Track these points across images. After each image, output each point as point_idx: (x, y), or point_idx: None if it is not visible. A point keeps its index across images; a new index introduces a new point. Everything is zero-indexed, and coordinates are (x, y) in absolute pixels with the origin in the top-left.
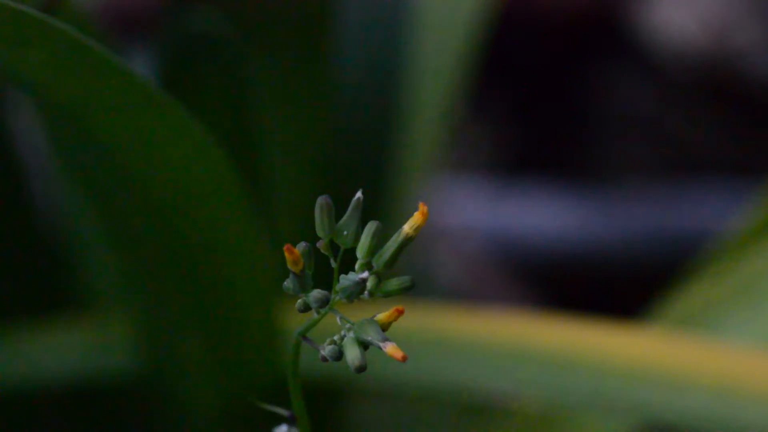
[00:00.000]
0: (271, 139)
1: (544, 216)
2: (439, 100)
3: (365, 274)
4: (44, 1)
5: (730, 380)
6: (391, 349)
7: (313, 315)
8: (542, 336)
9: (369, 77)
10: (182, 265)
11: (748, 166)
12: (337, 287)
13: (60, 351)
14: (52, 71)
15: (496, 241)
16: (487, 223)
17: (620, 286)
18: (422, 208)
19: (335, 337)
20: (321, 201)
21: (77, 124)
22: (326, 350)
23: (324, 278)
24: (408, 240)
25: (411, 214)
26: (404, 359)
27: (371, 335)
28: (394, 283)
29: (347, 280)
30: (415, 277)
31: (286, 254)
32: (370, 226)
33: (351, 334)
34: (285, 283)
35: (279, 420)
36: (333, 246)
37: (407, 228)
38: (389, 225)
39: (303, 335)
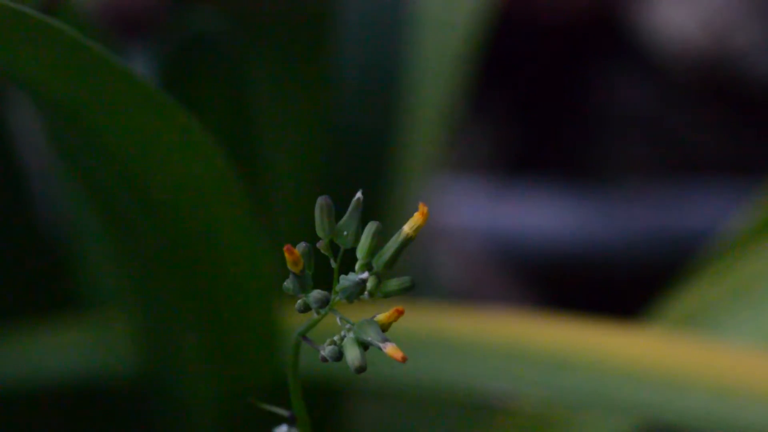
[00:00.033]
0: (271, 139)
1: (544, 216)
2: (439, 100)
3: (365, 275)
4: (44, 1)
5: (730, 380)
6: (391, 349)
7: (313, 315)
8: (542, 336)
9: (369, 77)
10: (182, 264)
11: (748, 166)
12: (337, 288)
13: (60, 351)
14: (52, 71)
15: (496, 241)
16: (487, 223)
17: (620, 286)
18: (422, 208)
19: (335, 338)
20: (321, 201)
21: (77, 124)
22: (326, 351)
23: (324, 278)
24: (408, 240)
25: (411, 215)
26: (404, 360)
27: (371, 336)
28: (394, 284)
29: (347, 280)
30: (415, 277)
31: (286, 255)
32: (370, 227)
33: (351, 335)
34: (285, 283)
35: (279, 420)
36: (333, 246)
37: (407, 228)
38: (389, 225)
39: (303, 335)
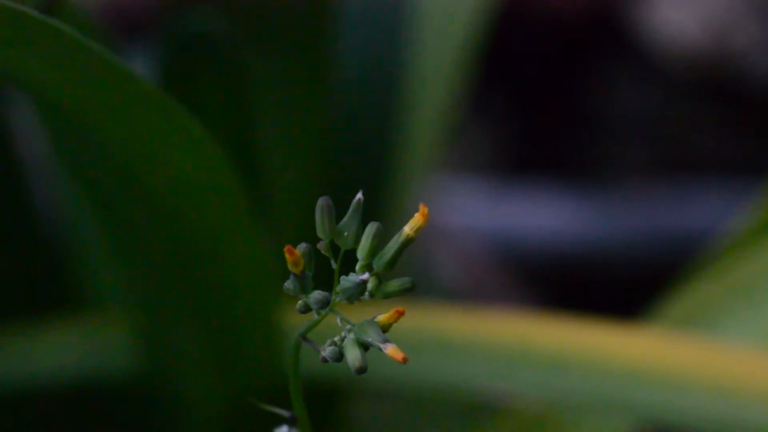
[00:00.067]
0: (271, 139)
1: (544, 216)
2: (439, 100)
3: (366, 276)
4: (44, 1)
5: (730, 380)
6: (391, 350)
7: (314, 316)
8: (542, 336)
9: (369, 77)
10: (182, 264)
11: (748, 166)
12: (338, 288)
13: (60, 351)
14: (52, 71)
15: (496, 241)
16: (487, 223)
17: (620, 286)
18: (423, 209)
19: (336, 339)
20: (321, 202)
21: (77, 124)
22: (327, 351)
23: (324, 279)
24: (409, 241)
25: (411, 215)
26: (405, 361)
27: (372, 336)
28: (394, 285)
29: (348, 281)
30: (415, 277)
31: (287, 255)
32: (371, 228)
33: (351, 336)
34: (286, 284)
35: (279, 421)
36: (333, 247)
37: (408, 229)
38: (389, 225)
39: (303, 336)
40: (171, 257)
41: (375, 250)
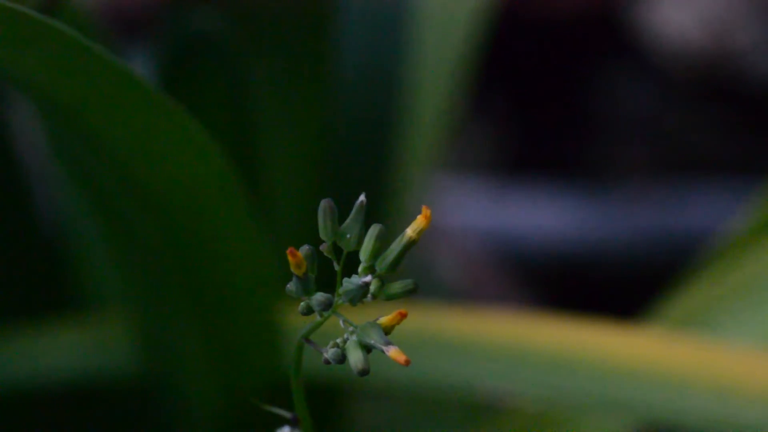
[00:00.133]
0: (271, 139)
1: (544, 216)
2: (439, 99)
3: (368, 278)
4: (44, 1)
5: (730, 380)
6: (394, 352)
7: (316, 318)
8: (542, 336)
9: (369, 77)
10: (182, 264)
11: (748, 166)
12: (341, 290)
13: (60, 351)
14: (51, 72)
15: (496, 241)
16: (487, 223)
17: (620, 286)
18: (425, 211)
19: (338, 340)
20: (324, 204)
21: (77, 124)
22: (329, 353)
23: (324, 280)
24: (411, 243)
25: (412, 215)
26: (407, 363)
27: (374, 339)
28: (397, 287)
29: (350, 283)
30: (415, 277)
31: (289, 257)
32: (373, 229)
33: (354, 338)
34: (288, 285)
35: (280, 421)
36: (336, 249)
37: (410, 231)
38: (389, 225)
39: (306, 338)
40: (171, 257)
41: (378, 252)
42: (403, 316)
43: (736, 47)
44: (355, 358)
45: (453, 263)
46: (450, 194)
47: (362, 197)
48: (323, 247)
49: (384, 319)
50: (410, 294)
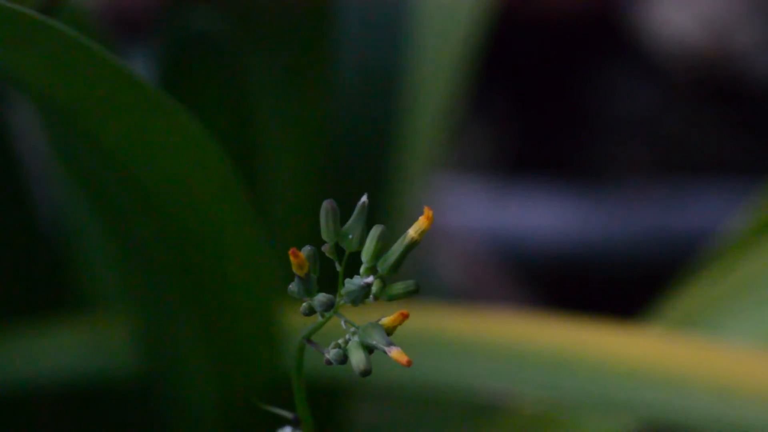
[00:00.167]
0: (271, 139)
1: (544, 216)
2: (439, 100)
3: (370, 279)
4: (44, 1)
5: (730, 380)
6: (396, 353)
7: (318, 318)
8: (542, 336)
9: (369, 77)
10: (182, 265)
11: (748, 166)
12: (343, 291)
13: (60, 351)
14: (51, 72)
15: (497, 241)
16: (487, 223)
17: (620, 286)
18: (427, 212)
19: (340, 341)
20: (326, 205)
21: (77, 124)
22: (331, 354)
23: (324, 280)
24: (413, 244)
25: (412, 215)
26: (409, 364)
27: (376, 339)
28: (399, 287)
29: (352, 284)
30: (415, 277)
31: (292, 258)
32: (375, 230)
33: (356, 338)
34: (290, 286)
35: (280, 421)
36: (337, 249)
37: (412, 232)
38: (389, 225)
39: (308, 338)
40: (171, 257)
41: (379, 252)
42: (405, 316)
43: (736, 47)
44: (357, 358)
45: (453, 263)
46: (450, 194)
47: (364, 198)
48: (325, 248)
49: (386, 320)
50: (412, 295)
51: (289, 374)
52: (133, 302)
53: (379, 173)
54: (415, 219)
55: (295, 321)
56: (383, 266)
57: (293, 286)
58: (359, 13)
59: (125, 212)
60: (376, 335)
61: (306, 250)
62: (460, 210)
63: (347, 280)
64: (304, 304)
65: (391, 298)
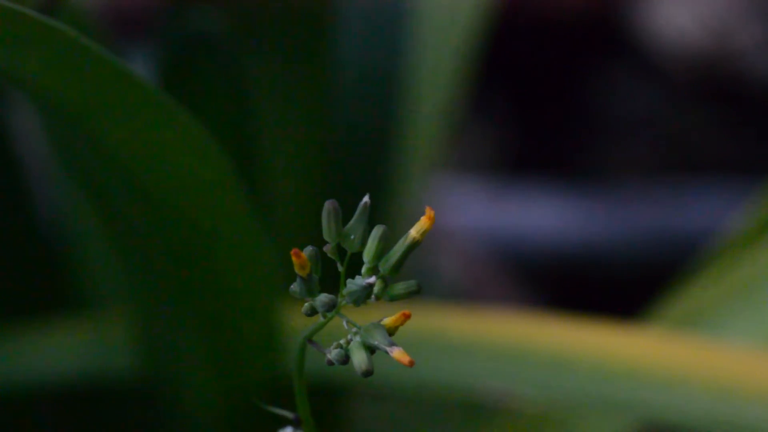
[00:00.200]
0: (271, 138)
1: (544, 216)
2: (440, 100)
3: (372, 279)
4: (44, 1)
5: (730, 380)
6: (398, 354)
7: (319, 318)
8: (542, 336)
9: (369, 77)
10: (182, 265)
11: (748, 166)
12: (344, 291)
13: (60, 351)
14: (51, 72)
15: (497, 241)
16: (487, 223)
17: (620, 286)
18: (429, 212)
19: (341, 341)
20: (328, 206)
21: (76, 124)
22: (332, 354)
23: (326, 281)
24: (415, 245)
25: (412, 215)
26: (411, 365)
27: (378, 339)
28: (401, 287)
29: (354, 284)
30: (415, 277)
31: (294, 258)
32: (377, 230)
33: (357, 338)
34: (292, 286)
35: (281, 421)
36: (339, 250)
37: (414, 232)
38: (389, 225)
39: (309, 339)
40: (171, 257)
41: (381, 253)
42: (407, 317)
43: (736, 47)
44: (359, 359)
45: (453, 263)
46: (450, 194)
47: (366, 198)
48: (327, 248)
49: (388, 320)
50: (414, 295)
51: (290, 374)
52: (133, 302)
53: (379, 173)
54: (416, 219)
55: (297, 321)
56: (385, 266)
57: (295, 287)
58: (359, 13)
59: (125, 212)
60: (378, 335)
61: (308, 251)
62: (460, 210)
63: (349, 280)
64: (306, 304)
65: (393, 299)
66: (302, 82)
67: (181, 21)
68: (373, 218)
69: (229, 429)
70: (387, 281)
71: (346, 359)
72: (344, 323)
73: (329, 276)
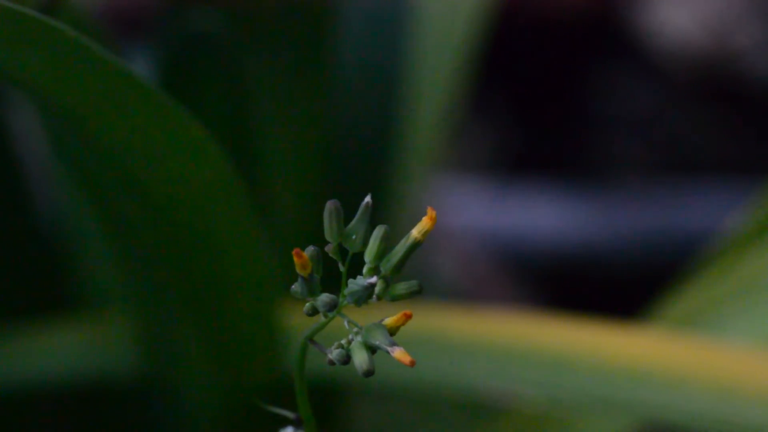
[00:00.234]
0: (272, 138)
1: (544, 216)
2: (440, 99)
3: (374, 279)
4: (44, 1)
5: (730, 380)
6: (399, 353)
7: (320, 318)
8: (542, 336)
9: (369, 77)
10: (182, 265)
11: (748, 166)
12: (346, 291)
13: (60, 351)
14: (51, 72)
15: (497, 241)
16: (487, 223)
17: (620, 286)
18: (430, 212)
19: (343, 341)
20: (330, 205)
21: (77, 124)
22: (334, 354)
23: (325, 281)
24: (417, 245)
25: (412, 215)
26: (413, 364)
27: (379, 339)
28: (402, 288)
29: (356, 284)
30: (415, 277)
31: (295, 258)
32: (378, 230)
33: (359, 338)
34: (293, 286)
35: (281, 421)
36: (341, 250)
37: (415, 232)
38: (389, 225)
39: (310, 339)
40: (171, 257)
41: (383, 253)
42: (408, 317)
43: (736, 47)
44: (360, 358)
45: (453, 263)
46: (450, 194)
47: (368, 198)
48: (328, 248)
49: (389, 320)
50: (415, 295)
51: (291, 374)
52: (133, 302)
53: (379, 173)
54: (416, 219)
55: (297, 321)
56: (386, 266)
57: (296, 287)
58: (359, 13)
59: (125, 212)
60: (379, 335)
61: (309, 251)
62: (461, 210)
63: (350, 280)
64: (308, 304)
65: (395, 299)
66: (302, 82)
67: (181, 21)
68: (372, 218)
69: (229, 429)
70: (388, 281)
71: (347, 359)
72: (345, 323)
73: (330, 276)
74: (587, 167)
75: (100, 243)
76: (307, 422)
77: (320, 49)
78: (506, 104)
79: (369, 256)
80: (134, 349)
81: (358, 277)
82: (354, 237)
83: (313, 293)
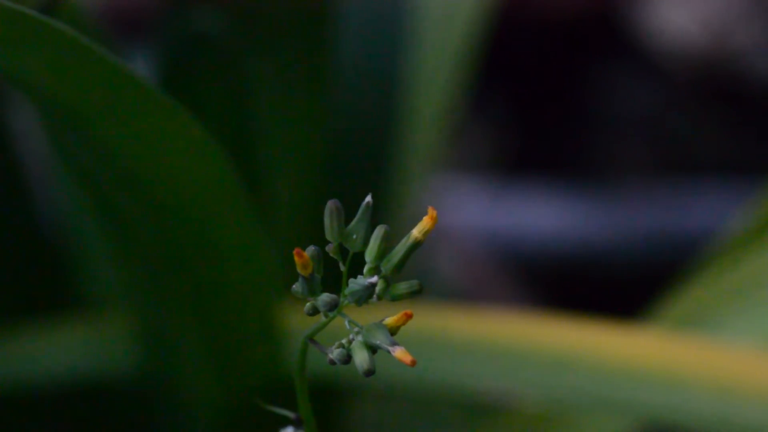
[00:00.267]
0: (271, 139)
1: (544, 216)
2: (439, 99)
3: (375, 279)
4: (44, 1)
5: (730, 380)
6: (399, 353)
7: (321, 318)
8: (543, 336)
9: (369, 77)
10: (182, 264)
11: (748, 166)
12: (347, 291)
13: (60, 351)
14: (51, 72)
15: (496, 241)
16: (487, 223)
17: (620, 286)
18: (431, 212)
19: (343, 341)
20: (330, 205)
21: (77, 124)
22: (334, 354)
23: (326, 280)
24: (417, 244)
25: (412, 214)
26: (413, 364)
27: (380, 339)
28: (403, 287)
29: (356, 284)
30: (415, 277)
31: (296, 258)
32: (379, 230)
33: (359, 338)
34: (294, 286)
35: (281, 421)
36: (341, 249)
37: (416, 232)
38: (389, 225)
39: (311, 338)
40: (171, 257)
41: (383, 252)
42: (409, 316)
43: (736, 47)
44: (361, 358)
45: (453, 263)
46: (450, 194)
47: (368, 198)
48: (329, 248)
49: (390, 320)
50: (416, 295)
51: (291, 374)
52: (133, 302)
53: (379, 173)
54: (416, 219)
55: (298, 321)
56: (387, 266)
57: (297, 286)
58: (359, 13)
59: (125, 212)
60: (379, 335)
61: (310, 250)
62: (460, 210)
63: (351, 280)
64: (308, 303)
65: (395, 299)
66: (302, 82)
67: (181, 21)
68: (372, 218)
69: (229, 429)
70: (389, 281)
71: (347, 359)
72: (346, 323)
73: (331, 276)
74: (587, 167)
75: (100, 243)
76: (307, 422)
77: (320, 49)
78: (506, 104)
79: (369, 255)
80: (134, 349)
81: (359, 276)
82: (354, 237)
83: (313, 293)
